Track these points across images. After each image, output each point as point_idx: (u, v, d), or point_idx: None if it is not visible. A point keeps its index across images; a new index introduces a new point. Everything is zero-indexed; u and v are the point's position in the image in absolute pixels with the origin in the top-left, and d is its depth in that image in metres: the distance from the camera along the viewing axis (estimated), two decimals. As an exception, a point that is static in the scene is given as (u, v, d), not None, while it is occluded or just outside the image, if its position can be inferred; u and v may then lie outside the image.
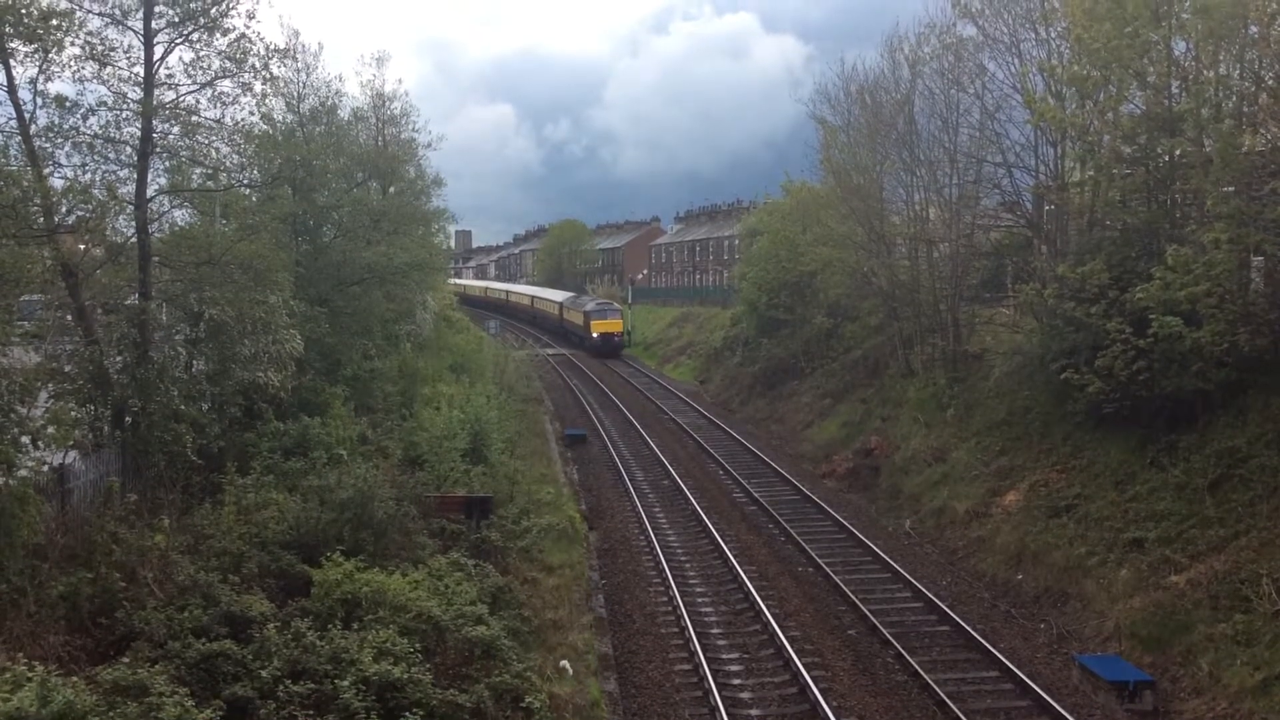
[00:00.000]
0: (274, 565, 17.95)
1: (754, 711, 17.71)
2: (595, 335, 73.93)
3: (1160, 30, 23.60)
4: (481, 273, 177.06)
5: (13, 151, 18.68)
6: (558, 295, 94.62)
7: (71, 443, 17.21)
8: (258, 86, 21.64)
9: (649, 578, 25.12)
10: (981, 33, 32.28)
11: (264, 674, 13.87)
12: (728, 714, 17.32)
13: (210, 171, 22.32)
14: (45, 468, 16.30)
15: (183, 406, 20.13)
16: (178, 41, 20.68)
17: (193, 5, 20.53)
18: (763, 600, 22.60)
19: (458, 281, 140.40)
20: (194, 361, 22.28)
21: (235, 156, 22.83)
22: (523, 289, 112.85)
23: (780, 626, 20.98)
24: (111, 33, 20.03)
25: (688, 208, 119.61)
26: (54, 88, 19.36)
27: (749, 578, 24.23)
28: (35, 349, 18.15)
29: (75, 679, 12.34)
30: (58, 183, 19.05)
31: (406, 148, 44.32)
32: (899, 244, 39.78)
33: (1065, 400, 25.77)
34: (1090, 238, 27.63)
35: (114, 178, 20.21)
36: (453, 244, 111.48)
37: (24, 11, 17.61)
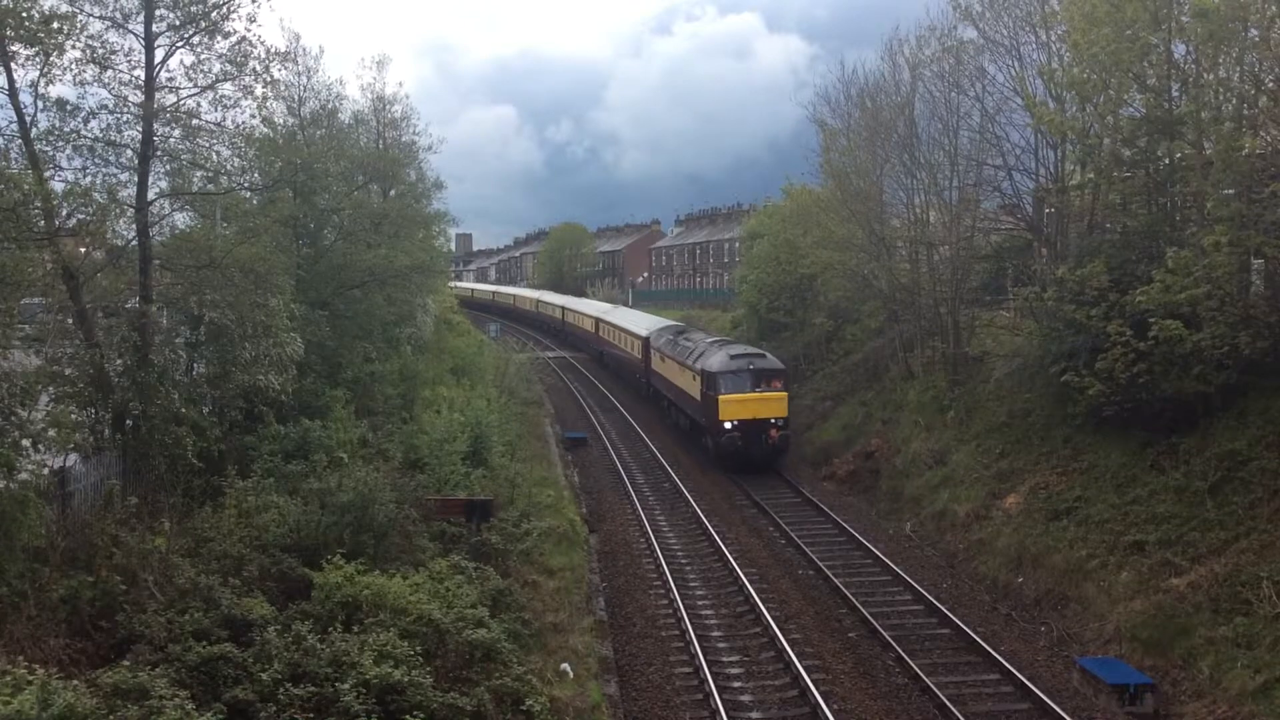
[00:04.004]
0: (274, 568, 17.95)
1: (755, 714, 17.71)
2: (729, 425, 35.96)
3: (1160, 33, 23.62)
4: (482, 276, 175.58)
5: (14, 155, 18.71)
6: (642, 324, 55.98)
7: (72, 446, 17.23)
8: (258, 90, 21.65)
9: (650, 580, 25.13)
10: (982, 35, 32.30)
11: (264, 677, 13.88)
12: (728, 717, 17.33)
13: (211, 175, 22.32)
14: (46, 471, 16.33)
15: (183, 410, 20.16)
16: (178, 45, 20.70)
17: (193, 9, 20.54)
18: (763, 603, 22.61)
19: (502, 290, 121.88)
20: (195, 365, 22.31)
21: (236, 160, 22.94)
22: (586, 307, 77.24)
23: (781, 629, 20.99)
24: (112, 36, 20.09)
25: (690, 210, 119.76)
26: (55, 91, 19.39)
27: (749, 580, 24.24)
28: (36, 352, 18.16)
29: (76, 682, 12.36)
30: (58, 186, 19.09)
31: (407, 151, 44.40)
32: (899, 247, 39.76)
33: (1065, 403, 25.78)
34: (1090, 240, 27.64)
35: (115, 181, 20.24)
36: (453, 247, 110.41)
37: (25, 15, 17.62)
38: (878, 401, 39.07)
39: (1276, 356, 21.55)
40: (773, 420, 35.88)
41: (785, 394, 36.53)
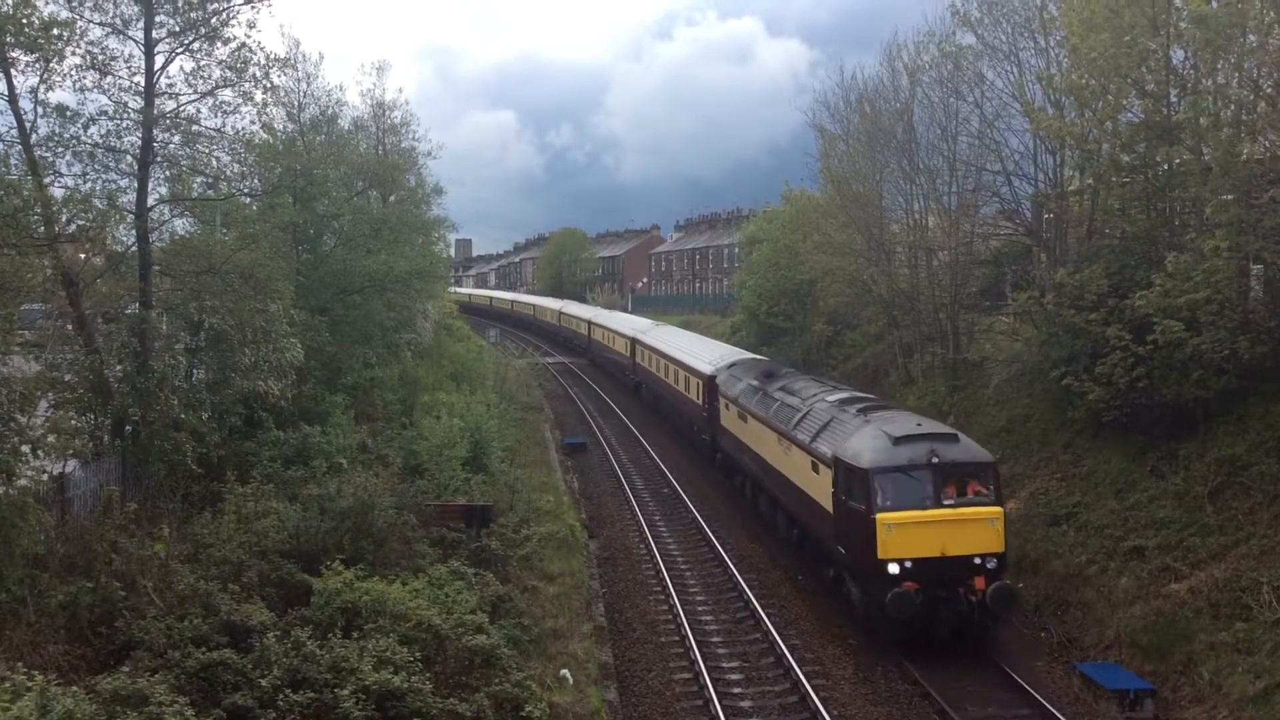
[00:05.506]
0: (274, 574, 17.94)
1: (754, 720, 17.69)
2: (895, 569, 19.40)
3: (1158, 39, 23.67)
4: (482, 281, 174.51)
5: (13, 161, 18.67)
6: (701, 354, 41.00)
7: (71, 452, 17.21)
8: (258, 96, 21.66)
9: (649, 586, 25.11)
10: (980, 41, 32.32)
11: (264, 683, 13.86)
12: (728, 723, 17.30)
13: (211, 180, 22.34)
14: (45, 477, 16.30)
15: (183, 415, 20.14)
16: (178, 51, 20.72)
17: (193, 15, 20.56)
18: (763, 609, 22.59)
19: (521, 299, 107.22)
20: (194, 370, 22.30)
21: (236, 165, 22.88)
22: (618, 324, 61.66)
23: (780, 635, 20.97)
24: (112, 42, 20.08)
25: (689, 215, 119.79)
26: (55, 97, 19.38)
27: (749, 586, 24.22)
28: (35, 358, 18.15)
29: (75, 688, 12.36)
30: (58, 192, 19.05)
31: (407, 156, 44.36)
32: (898, 252, 39.79)
33: (1065, 408, 25.77)
34: (1089, 245, 27.64)
35: (114, 187, 20.24)
36: (453, 252, 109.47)
37: (25, 21, 17.64)
38: (877, 407, 39.01)
39: (1276, 361, 21.55)
40: (977, 559, 19.80)
41: (999, 509, 20.29)
